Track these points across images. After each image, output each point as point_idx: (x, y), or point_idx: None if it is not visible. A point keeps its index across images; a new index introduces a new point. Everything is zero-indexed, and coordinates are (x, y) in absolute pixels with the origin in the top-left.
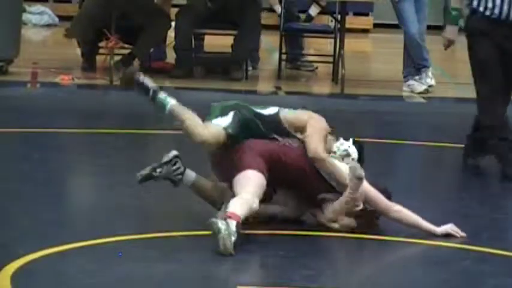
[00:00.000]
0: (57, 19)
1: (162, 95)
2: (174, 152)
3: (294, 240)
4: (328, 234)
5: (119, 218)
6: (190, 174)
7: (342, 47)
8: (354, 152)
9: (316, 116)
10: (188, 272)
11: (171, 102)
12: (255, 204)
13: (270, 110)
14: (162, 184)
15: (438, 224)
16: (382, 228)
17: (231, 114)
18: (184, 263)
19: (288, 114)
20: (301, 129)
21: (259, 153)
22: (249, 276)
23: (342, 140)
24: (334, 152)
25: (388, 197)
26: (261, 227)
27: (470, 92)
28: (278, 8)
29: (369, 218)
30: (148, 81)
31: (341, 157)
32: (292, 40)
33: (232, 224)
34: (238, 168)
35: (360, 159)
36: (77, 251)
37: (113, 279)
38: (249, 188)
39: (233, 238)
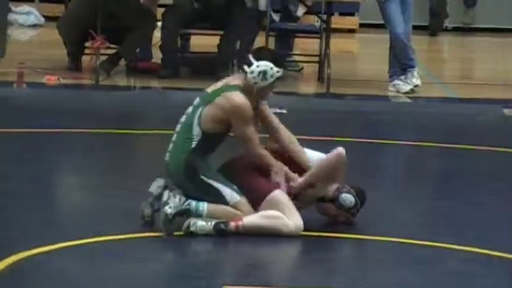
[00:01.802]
0: (43, 19)
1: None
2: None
3: (284, 241)
4: (317, 234)
5: (107, 218)
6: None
7: (327, 46)
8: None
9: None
10: (174, 272)
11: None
12: (282, 221)
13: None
14: (149, 184)
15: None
16: (369, 229)
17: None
18: (171, 263)
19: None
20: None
21: (254, 168)
22: (235, 276)
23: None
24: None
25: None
26: None
27: (455, 92)
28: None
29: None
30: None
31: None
32: (282, 40)
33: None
34: (260, 196)
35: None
36: (64, 251)
37: (101, 279)
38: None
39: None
